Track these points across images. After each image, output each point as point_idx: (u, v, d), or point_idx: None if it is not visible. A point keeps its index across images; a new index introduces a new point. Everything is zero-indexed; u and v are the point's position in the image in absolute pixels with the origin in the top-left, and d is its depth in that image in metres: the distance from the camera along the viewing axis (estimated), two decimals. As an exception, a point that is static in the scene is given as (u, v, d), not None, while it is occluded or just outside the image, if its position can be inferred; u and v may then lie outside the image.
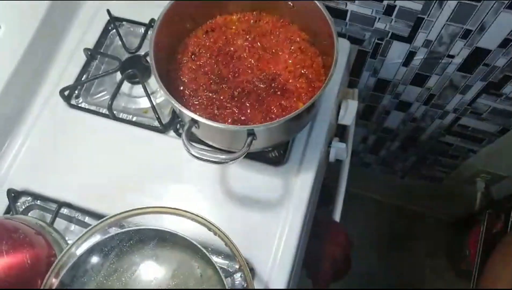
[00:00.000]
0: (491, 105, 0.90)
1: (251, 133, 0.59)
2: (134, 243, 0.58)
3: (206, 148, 0.57)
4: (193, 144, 0.57)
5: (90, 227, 0.58)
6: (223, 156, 0.56)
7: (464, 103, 0.93)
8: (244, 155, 0.57)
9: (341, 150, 0.77)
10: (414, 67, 0.86)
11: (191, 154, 0.56)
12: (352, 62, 0.90)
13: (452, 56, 0.80)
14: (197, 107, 0.67)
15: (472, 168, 1.19)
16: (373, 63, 0.90)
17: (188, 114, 0.58)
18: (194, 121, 0.59)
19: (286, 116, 0.59)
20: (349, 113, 0.79)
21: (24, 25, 0.74)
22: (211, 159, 0.56)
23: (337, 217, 0.81)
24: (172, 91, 0.65)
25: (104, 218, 0.58)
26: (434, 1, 0.68)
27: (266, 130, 0.60)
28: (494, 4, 0.65)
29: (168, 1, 0.64)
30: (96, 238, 0.58)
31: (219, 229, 0.59)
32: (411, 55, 0.83)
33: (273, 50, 0.71)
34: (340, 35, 0.83)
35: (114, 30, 0.81)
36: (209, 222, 0.59)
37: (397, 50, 0.83)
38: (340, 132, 0.87)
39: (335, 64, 0.60)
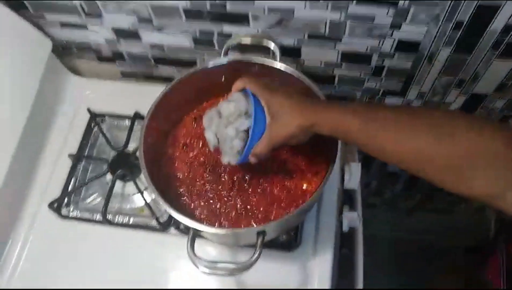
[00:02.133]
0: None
1: (262, 232, 0.54)
2: None
3: (217, 256, 0.52)
4: (198, 256, 0.52)
5: None
6: (236, 266, 0.52)
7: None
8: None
9: (353, 218, 0.74)
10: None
11: (201, 271, 0.52)
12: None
13: (449, 104, 0.78)
14: (197, 203, 0.62)
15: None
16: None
17: (192, 225, 0.54)
18: (198, 230, 0.55)
19: (298, 209, 0.55)
20: (354, 177, 0.75)
21: (3, 142, 0.69)
22: (224, 273, 0.51)
23: (359, 285, 0.76)
24: (168, 192, 0.61)
25: None
26: (423, 59, 0.66)
27: (277, 225, 0.56)
28: (485, 54, 0.63)
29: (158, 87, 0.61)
30: None
31: None
32: (405, 106, 0.81)
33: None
34: (330, 96, 0.80)
35: (97, 128, 0.78)
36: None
37: (392, 103, 0.81)
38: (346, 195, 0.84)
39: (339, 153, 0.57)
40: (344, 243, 0.80)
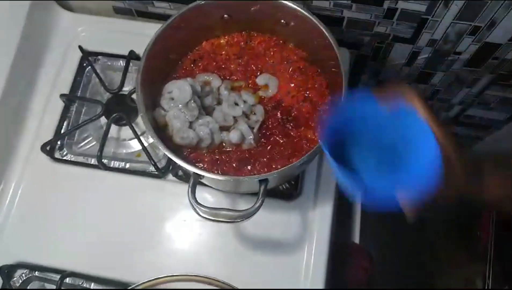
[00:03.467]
0: (500, 95, 0.85)
1: (264, 180, 0.53)
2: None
3: (218, 204, 0.51)
4: (200, 202, 0.51)
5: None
6: (238, 214, 0.51)
7: (471, 95, 0.88)
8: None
9: (354, 169, 0.72)
10: (418, 66, 0.81)
11: (202, 216, 0.51)
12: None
13: (459, 53, 0.74)
14: (197, 151, 0.60)
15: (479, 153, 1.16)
16: (373, 66, 0.84)
17: (192, 169, 0.52)
18: (198, 175, 0.53)
19: (301, 159, 0.53)
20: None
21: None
22: (225, 220, 0.50)
23: (356, 238, 0.76)
24: (166, 139, 0.59)
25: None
26: (440, 1, 0.62)
27: (279, 175, 0.54)
28: (504, 1, 0.59)
29: (157, 23, 0.57)
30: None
31: None
32: (414, 55, 0.77)
33: (271, 74, 0.65)
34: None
35: (90, 67, 0.74)
36: (227, 284, 0.53)
37: (400, 51, 0.77)
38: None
39: (345, 92, 0.54)
40: (343, 194, 0.79)
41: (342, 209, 0.80)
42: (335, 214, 0.67)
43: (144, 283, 0.53)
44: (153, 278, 0.53)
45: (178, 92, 0.57)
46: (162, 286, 0.56)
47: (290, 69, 0.65)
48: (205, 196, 0.66)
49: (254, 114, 0.61)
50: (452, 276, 1.47)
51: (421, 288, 1.47)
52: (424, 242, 1.51)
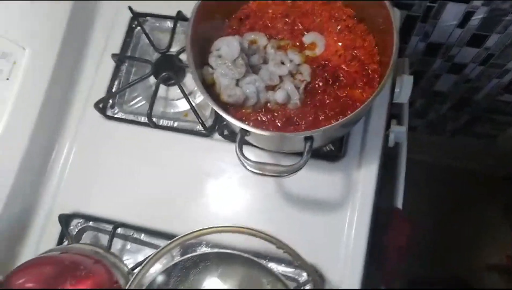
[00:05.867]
0: (560, 60, 0.81)
1: (309, 138, 0.53)
2: (201, 268, 0.55)
3: (263, 161, 0.52)
4: (247, 157, 0.52)
5: (151, 255, 0.55)
6: (284, 168, 0.51)
7: (529, 60, 0.84)
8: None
9: (401, 133, 0.71)
10: (472, 27, 0.77)
11: (249, 170, 0.52)
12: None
13: None
14: (243, 110, 0.61)
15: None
16: (423, 27, 0.81)
17: (240, 125, 0.53)
18: (245, 131, 0.54)
19: (346, 118, 0.52)
20: (405, 91, 0.71)
21: (47, 44, 0.68)
22: (272, 174, 0.51)
23: (399, 203, 0.76)
24: (214, 96, 0.60)
25: (166, 244, 0.55)
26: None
27: (324, 132, 0.54)
28: None
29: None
30: (159, 265, 0.55)
31: (282, 243, 0.55)
32: (468, 15, 0.74)
33: (318, 33, 0.64)
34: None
35: (139, 28, 0.75)
36: (271, 236, 0.55)
37: (452, 12, 0.74)
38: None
39: (396, 51, 0.53)
40: (387, 159, 0.78)
41: (387, 174, 0.79)
42: (379, 178, 0.67)
43: (190, 233, 0.56)
44: (198, 229, 0.55)
45: (226, 48, 0.57)
46: (206, 237, 0.58)
47: (338, 28, 0.64)
48: (250, 156, 0.67)
49: (301, 73, 0.61)
50: (493, 251, 1.44)
51: (461, 262, 1.45)
52: (468, 215, 1.48)
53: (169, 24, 0.76)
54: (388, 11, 0.55)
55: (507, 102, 1.03)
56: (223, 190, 0.67)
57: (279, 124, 0.59)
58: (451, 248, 1.44)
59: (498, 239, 1.46)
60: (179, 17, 0.74)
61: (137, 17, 0.76)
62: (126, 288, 0.54)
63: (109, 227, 0.67)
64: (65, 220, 0.68)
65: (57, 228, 0.68)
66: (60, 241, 0.68)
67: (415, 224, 0.78)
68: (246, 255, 0.54)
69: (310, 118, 0.59)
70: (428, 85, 1.03)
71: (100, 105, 0.72)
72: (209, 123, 0.69)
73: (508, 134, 1.22)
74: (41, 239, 0.69)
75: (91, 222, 0.69)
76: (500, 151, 1.32)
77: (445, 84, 1.01)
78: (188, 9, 0.57)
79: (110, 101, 0.73)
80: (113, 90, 0.73)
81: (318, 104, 0.60)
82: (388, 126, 0.72)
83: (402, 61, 0.81)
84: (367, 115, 0.68)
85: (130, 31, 0.76)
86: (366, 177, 0.65)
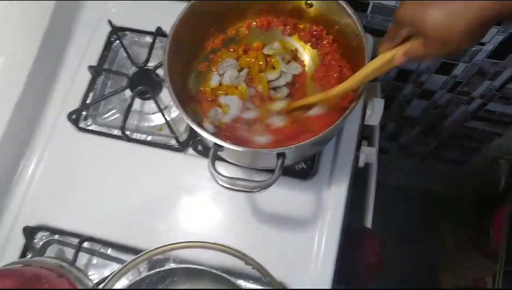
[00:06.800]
0: (523, 90, 0.85)
1: (281, 154, 0.54)
2: (168, 284, 0.55)
3: (234, 177, 0.52)
4: (220, 172, 0.52)
5: (117, 270, 0.54)
6: (255, 184, 0.52)
7: (493, 89, 0.87)
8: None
9: (371, 154, 0.73)
10: (440, 56, 0.81)
11: (221, 184, 0.52)
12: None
13: (483, 44, 0.74)
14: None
15: (496, 150, 1.15)
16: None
17: (213, 140, 0.53)
18: (219, 146, 0.54)
19: (316, 137, 0.54)
20: (376, 113, 0.73)
21: (23, 51, 0.68)
22: (243, 189, 0.52)
23: (368, 223, 0.77)
24: (189, 111, 0.60)
25: (133, 259, 0.54)
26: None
27: (296, 150, 0.55)
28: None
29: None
30: (125, 281, 0.54)
31: (251, 259, 0.55)
32: (437, 44, 0.77)
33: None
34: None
35: (118, 42, 0.76)
36: (239, 252, 0.55)
37: (422, 40, 0.77)
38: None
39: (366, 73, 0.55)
40: (357, 179, 0.80)
41: (357, 194, 0.80)
42: (349, 197, 0.68)
43: (157, 248, 0.55)
44: (166, 244, 0.55)
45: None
46: (175, 253, 0.58)
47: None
48: (224, 171, 0.67)
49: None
50: (461, 273, 1.47)
51: (428, 283, 1.47)
52: (434, 237, 1.51)
53: (148, 39, 0.77)
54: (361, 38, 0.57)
55: (474, 128, 1.07)
56: (195, 205, 0.67)
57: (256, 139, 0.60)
58: (420, 270, 1.46)
59: (465, 261, 1.49)
60: (159, 32, 0.74)
61: (117, 31, 0.76)
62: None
63: (75, 241, 0.65)
64: (29, 232, 0.66)
65: (21, 240, 0.66)
66: (23, 254, 0.66)
67: (385, 243, 0.79)
68: (214, 271, 0.53)
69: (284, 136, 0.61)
70: (399, 110, 1.06)
71: (73, 116, 0.71)
72: (183, 138, 0.69)
73: (477, 160, 1.27)
74: (4, 251, 0.67)
75: (56, 235, 0.67)
76: (469, 176, 1.36)
77: (415, 109, 1.04)
78: (168, 25, 0.58)
79: (84, 112, 0.73)
80: (88, 101, 0.73)
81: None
82: (359, 147, 0.74)
83: (375, 85, 0.84)
84: (338, 135, 0.69)
85: (108, 44, 0.77)
86: (336, 195, 0.66)
